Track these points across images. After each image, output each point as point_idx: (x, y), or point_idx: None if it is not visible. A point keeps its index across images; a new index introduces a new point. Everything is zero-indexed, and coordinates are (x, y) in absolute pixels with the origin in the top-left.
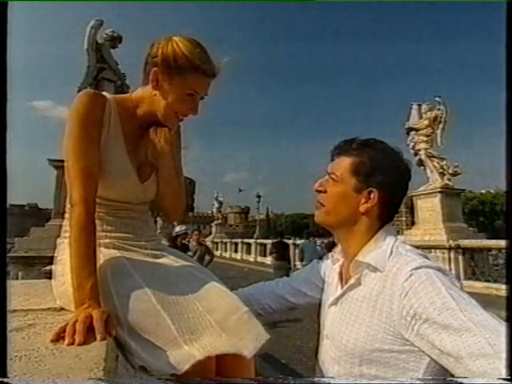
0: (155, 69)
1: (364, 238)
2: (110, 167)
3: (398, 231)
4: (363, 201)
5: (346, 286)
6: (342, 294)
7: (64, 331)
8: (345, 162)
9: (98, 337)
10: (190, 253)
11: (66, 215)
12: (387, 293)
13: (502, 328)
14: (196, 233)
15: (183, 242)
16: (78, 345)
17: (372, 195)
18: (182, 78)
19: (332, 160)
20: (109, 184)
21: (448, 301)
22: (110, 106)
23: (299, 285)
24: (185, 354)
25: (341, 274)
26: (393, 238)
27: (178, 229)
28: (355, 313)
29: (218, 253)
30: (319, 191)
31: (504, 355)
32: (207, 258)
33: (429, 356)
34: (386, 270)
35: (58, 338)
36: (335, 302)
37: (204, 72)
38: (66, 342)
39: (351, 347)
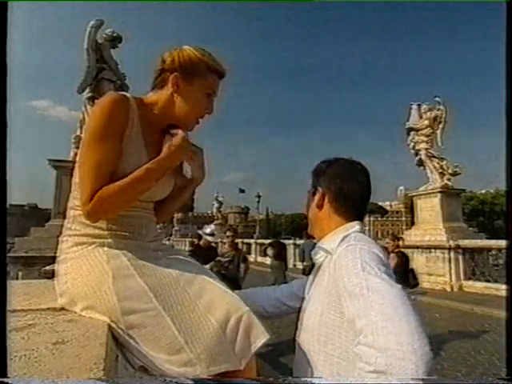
0: (176, 74)
1: (325, 231)
2: (129, 166)
3: (398, 231)
4: (318, 200)
5: (313, 272)
6: (311, 284)
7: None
8: (312, 176)
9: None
10: (220, 258)
11: (72, 212)
12: (331, 270)
13: (394, 290)
14: (229, 234)
15: (210, 244)
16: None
17: (319, 193)
18: (201, 79)
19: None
20: None
21: (358, 271)
22: (133, 109)
23: (297, 290)
24: (187, 368)
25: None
26: (352, 230)
27: (208, 230)
28: (314, 292)
29: None
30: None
31: (380, 315)
32: (242, 266)
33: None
34: (336, 255)
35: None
36: (307, 290)
37: (217, 72)
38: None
39: (311, 327)
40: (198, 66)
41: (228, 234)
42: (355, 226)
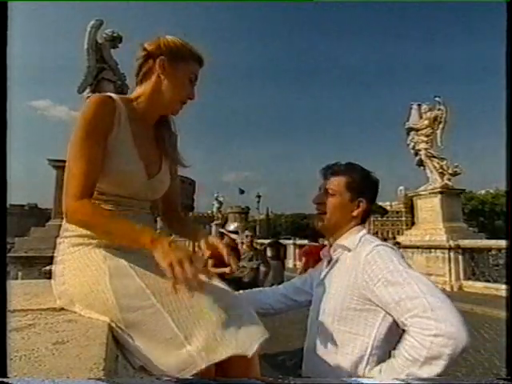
0: (162, 57)
1: (345, 232)
2: (121, 165)
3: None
4: (355, 208)
5: (328, 266)
6: (326, 274)
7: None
8: (340, 181)
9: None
10: (242, 263)
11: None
12: (355, 264)
13: (430, 283)
14: (248, 234)
15: (235, 242)
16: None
17: (361, 204)
18: (185, 64)
19: (325, 179)
20: (118, 181)
21: (396, 266)
22: (119, 108)
23: (302, 285)
24: (187, 361)
25: (328, 263)
26: (364, 232)
27: (231, 227)
28: (333, 283)
29: None
30: (319, 203)
31: (431, 297)
32: (263, 269)
33: (382, 308)
34: (356, 251)
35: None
36: (321, 282)
37: (198, 59)
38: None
39: (329, 308)
40: (182, 51)
41: (247, 233)
42: (364, 227)
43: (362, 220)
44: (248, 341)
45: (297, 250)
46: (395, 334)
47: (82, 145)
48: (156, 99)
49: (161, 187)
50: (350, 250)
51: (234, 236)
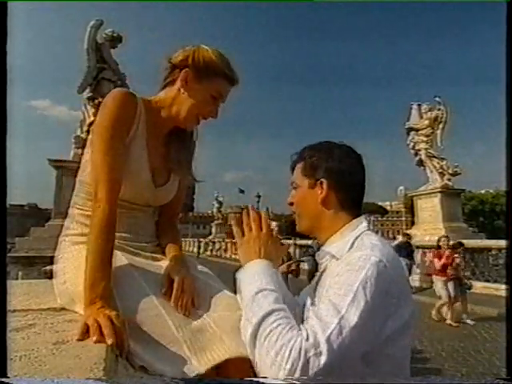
0: (187, 69)
1: (332, 230)
2: (130, 168)
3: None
4: (319, 193)
5: (316, 277)
6: (314, 283)
7: (87, 330)
8: (297, 170)
9: (110, 341)
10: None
11: (71, 211)
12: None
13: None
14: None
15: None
16: (111, 345)
17: (323, 185)
18: (210, 81)
19: (292, 173)
20: (124, 184)
21: (353, 288)
22: (140, 107)
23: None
24: (189, 366)
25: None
26: (361, 229)
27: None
28: (316, 294)
29: (218, 253)
30: (291, 204)
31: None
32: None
33: None
34: (345, 257)
35: (84, 336)
36: (307, 292)
37: (229, 78)
38: (95, 339)
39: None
40: (211, 67)
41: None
42: (362, 221)
43: (345, 208)
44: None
45: (297, 250)
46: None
47: (109, 139)
48: (172, 112)
49: (165, 197)
50: (335, 258)
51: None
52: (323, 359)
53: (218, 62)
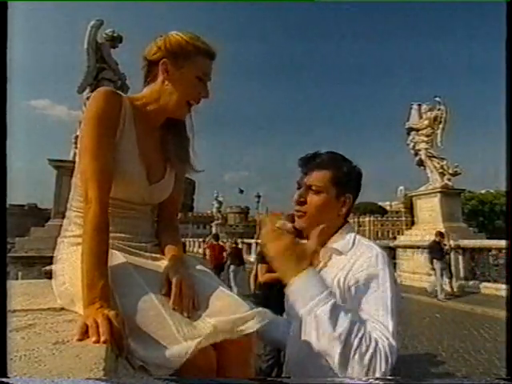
0: (164, 60)
1: (332, 231)
2: (121, 166)
3: (398, 231)
4: (341, 205)
5: (320, 265)
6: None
7: (87, 331)
8: (324, 175)
9: (103, 338)
10: None
11: (68, 213)
12: (349, 267)
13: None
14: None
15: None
16: (104, 343)
17: (348, 200)
18: (190, 62)
19: (305, 174)
20: (117, 183)
21: (387, 284)
22: (125, 105)
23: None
24: (183, 348)
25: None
26: (352, 232)
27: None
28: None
29: None
30: (301, 202)
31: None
32: None
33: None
34: (350, 254)
35: (83, 336)
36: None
37: (207, 53)
38: (94, 339)
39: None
40: (187, 49)
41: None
42: (351, 227)
43: (346, 217)
44: (243, 325)
45: None
46: None
47: (95, 139)
48: (161, 105)
49: (161, 194)
50: (341, 254)
51: None
52: (395, 356)
53: (192, 42)
